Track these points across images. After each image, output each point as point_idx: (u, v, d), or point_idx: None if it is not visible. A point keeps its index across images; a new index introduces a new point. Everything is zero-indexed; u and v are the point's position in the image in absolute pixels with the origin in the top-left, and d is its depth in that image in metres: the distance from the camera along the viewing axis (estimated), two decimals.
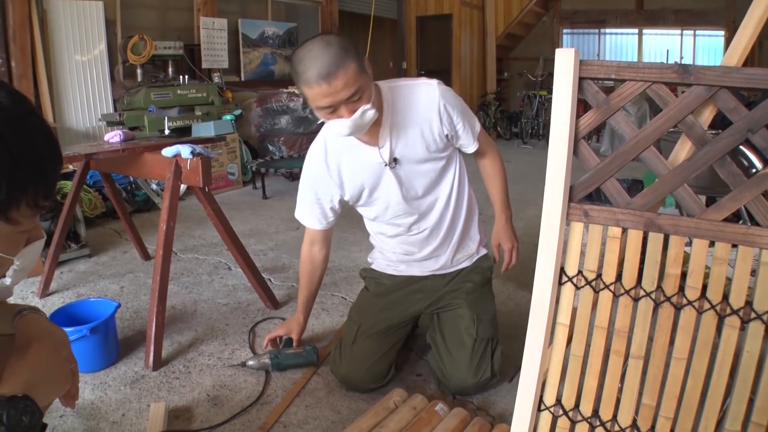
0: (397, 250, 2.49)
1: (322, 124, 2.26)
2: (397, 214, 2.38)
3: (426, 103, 2.20)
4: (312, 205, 2.44)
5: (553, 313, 1.72)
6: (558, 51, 1.56)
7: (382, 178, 2.29)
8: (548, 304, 1.67)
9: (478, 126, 2.37)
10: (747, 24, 1.57)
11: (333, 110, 1.98)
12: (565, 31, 14.59)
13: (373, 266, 2.64)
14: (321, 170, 2.35)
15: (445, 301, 2.48)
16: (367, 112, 2.01)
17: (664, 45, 13.83)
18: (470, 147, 2.35)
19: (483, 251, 2.55)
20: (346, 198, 2.39)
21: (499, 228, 2.57)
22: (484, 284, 2.52)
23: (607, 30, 14.40)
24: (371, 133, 2.19)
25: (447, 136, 2.25)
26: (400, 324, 2.49)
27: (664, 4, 13.60)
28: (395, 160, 2.26)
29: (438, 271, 2.50)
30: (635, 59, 14.07)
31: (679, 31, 13.77)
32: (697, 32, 13.59)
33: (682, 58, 13.61)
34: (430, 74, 12.00)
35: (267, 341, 2.65)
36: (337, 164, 2.31)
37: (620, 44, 14.48)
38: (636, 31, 14.18)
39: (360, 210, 2.47)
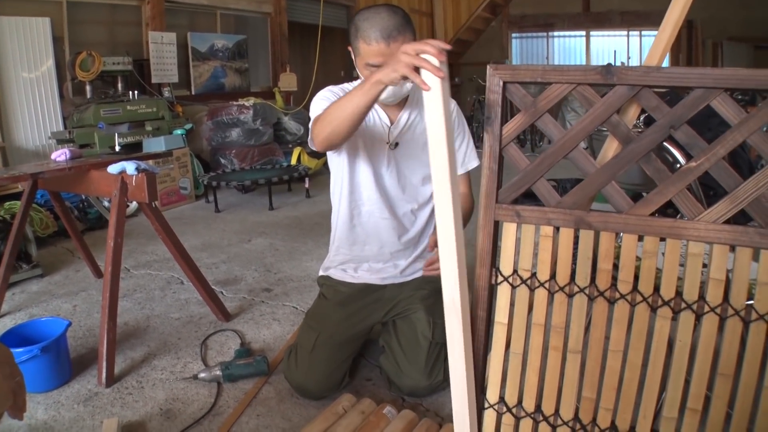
0: (359, 240, 2.54)
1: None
2: (372, 187, 2.44)
3: None
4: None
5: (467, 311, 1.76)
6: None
7: (378, 149, 2.40)
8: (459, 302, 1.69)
9: (473, 162, 2.46)
10: (665, 26, 1.63)
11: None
12: (514, 35, 14.78)
13: (330, 274, 2.65)
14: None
15: (401, 308, 2.51)
16: (406, 82, 2.09)
17: (611, 46, 14.09)
18: None
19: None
20: None
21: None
22: (439, 291, 2.53)
23: (556, 33, 14.62)
24: (393, 108, 2.34)
25: None
26: (359, 334, 2.51)
27: (610, 6, 13.85)
28: (396, 144, 2.38)
29: (396, 279, 2.54)
30: (584, 61, 14.32)
31: (625, 32, 14.04)
32: (643, 32, 13.85)
33: (629, 57, 13.87)
34: None
35: None
36: None
37: (568, 47, 14.70)
38: (583, 33, 14.42)
39: (347, 168, 2.45)
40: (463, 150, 2.44)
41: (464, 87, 13.64)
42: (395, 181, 2.44)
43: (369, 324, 2.54)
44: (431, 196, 2.43)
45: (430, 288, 2.50)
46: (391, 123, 2.35)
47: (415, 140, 2.36)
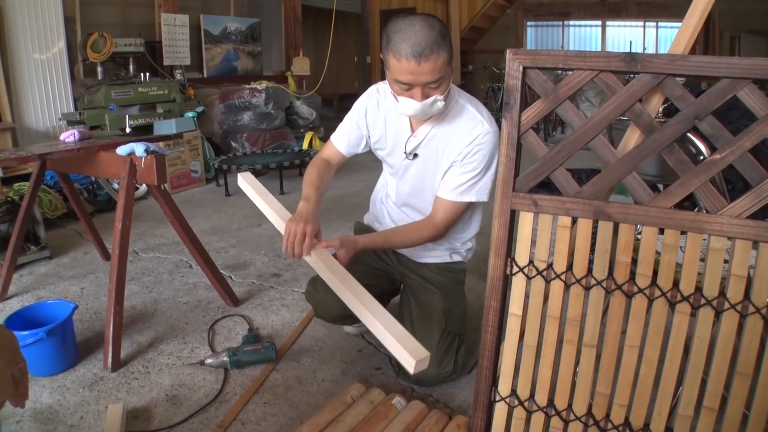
0: (382, 218, 2.60)
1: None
2: (395, 189, 2.49)
3: (468, 132, 2.20)
4: (348, 131, 2.47)
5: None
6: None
7: (398, 157, 2.38)
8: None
9: (461, 197, 2.24)
10: (692, 13, 1.58)
11: (408, 88, 2.01)
12: (529, 23, 14.66)
13: (365, 221, 2.73)
14: (363, 114, 2.41)
15: (418, 280, 2.51)
16: (437, 102, 2.05)
17: (627, 36, 13.96)
18: (441, 191, 2.27)
19: (458, 258, 2.55)
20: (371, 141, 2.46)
21: (351, 243, 2.20)
22: (458, 284, 2.55)
23: (571, 22, 14.49)
24: (419, 120, 2.26)
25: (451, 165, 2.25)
26: (380, 271, 2.55)
27: None
28: (415, 155, 2.32)
29: (409, 255, 2.56)
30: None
31: (641, 23, 13.89)
32: (660, 24, 13.71)
33: (645, 49, 13.73)
34: None
35: (299, 246, 2.12)
36: (376, 118, 2.38)
37: (584, 36, 14.58)
38: (599, 23, 14.28)
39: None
40: (463, 180, 2.22)
41: (478, 74, 13.58)
42: (412, 190, 2.42)
43: (388, 269, 2.58)
44: None
45: (450, 278, 2.50)
46: (412, 132, 2.29)
47: (434, 153, 2.28)
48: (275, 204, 2.35)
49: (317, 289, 2.47)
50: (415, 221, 2.37)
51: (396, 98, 2.10)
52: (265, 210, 2.36)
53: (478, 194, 2.24)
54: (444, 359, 2.32)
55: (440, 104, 2.06)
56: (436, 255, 2.52)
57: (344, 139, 2.46)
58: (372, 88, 2.41)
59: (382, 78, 2.28)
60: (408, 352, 1.71)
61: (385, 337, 1.81)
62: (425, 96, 2.01)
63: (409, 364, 1.71)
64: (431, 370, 2.30)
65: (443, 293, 2.44)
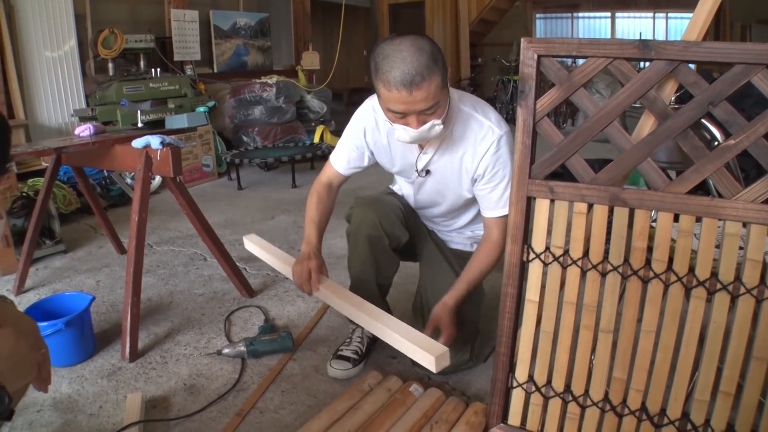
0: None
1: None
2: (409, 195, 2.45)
3: (480, 141, 2.12)
4: (347, 152, 2.39)
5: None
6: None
7: (410, 175, 2.33)
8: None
9: (503, 210, 2.16)
10: (704, 1, 1.58)
11: (402, 116, 1.90)
12: (538, 15, 14.60)
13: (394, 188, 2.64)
14: (361, 135, 2.32)
15: (440, 256, 2.51)
16: (435, 127, 1.92)
17: (636, 28, 13.88)
18: (486, 210, 2.23)
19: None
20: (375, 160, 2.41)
21: (443, 308, 2.20)
22: None
23: (580, 14, 14.42)
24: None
25: (473, 179, 2.19)
26: (410, 221, 2.48)
27: None
28: (428, 171, 2.25)
29: (438, 233, 2.58)
30: None
31: (651, 14, 13.82)
32: (669, 14, 13.64)
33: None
34: None
35: (307, 284, 2.21)
36: (377, 140, 2.30)
37: (593, 28, 14.51)
38: (609, 14, 14.21)
39: None
40: (499, 193, 2.16)
41: (488, 67, 13.54)
42: (430, 201, 2.39)
43: (418, 223, 2.55)
44: (466, 204, 2.36)
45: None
46: (421, 149, 2.21)
47: (449, 166, 2.21)
48: (283, 255, 2.47)
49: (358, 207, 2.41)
50: (478, 251, 2.27)
51: (391, 124, 2.00)
52: (276, 264, 2.47)
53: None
54: (460, 347, 2.33)
55: (438, 128, 1.93)
56: (458, 242, 2.53)
57: (344, 160, 2.40)
58: (367, 107, 2.30)
59: None
60: (427, 352, 1.78)
61: (403, 344, 1.89)
62: (421, 123, 1.89)
63: (431, 363, 1.77)
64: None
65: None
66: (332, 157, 2.43)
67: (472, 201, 2.29)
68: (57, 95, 6.08)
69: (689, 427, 1.63)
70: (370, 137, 2.30)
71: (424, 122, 1.90)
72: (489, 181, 2.14)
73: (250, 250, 2.67)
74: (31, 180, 4.62)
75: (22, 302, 3.19)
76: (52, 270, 3.74)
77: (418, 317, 2.48)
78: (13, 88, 5.61)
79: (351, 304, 2.11)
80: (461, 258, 2.48)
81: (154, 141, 2.74)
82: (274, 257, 2.49)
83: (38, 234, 3.50)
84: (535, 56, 1.59)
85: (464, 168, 2.17)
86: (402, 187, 2.51)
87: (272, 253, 2.52)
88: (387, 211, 2.33)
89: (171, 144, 2.75)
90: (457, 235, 2.52)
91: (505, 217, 2.09)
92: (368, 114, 2.28)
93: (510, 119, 11.13)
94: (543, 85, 1.64)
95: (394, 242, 2.34)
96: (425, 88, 1.80)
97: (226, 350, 2.54)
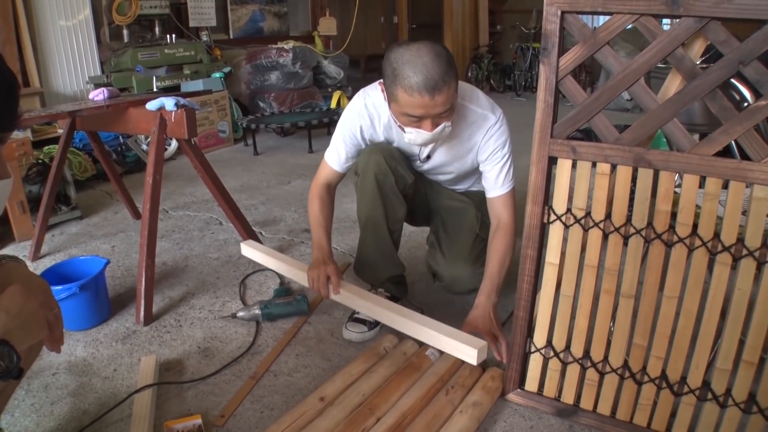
0: None
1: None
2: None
3: (477, 130, 2.22)
4: (344, 150, 2.42)
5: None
6: None
7: (412, 159, 2.42)
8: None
9: (508, 185, 2.27)
10: None
11: (418, 120, 1.98)
12: None
13: None
14: (357, 134, 2.36)
15: (450, 197, 2.55)
16: (446, 129, 2.02)
17: None
18: (489, 191, 2.29)
19: None
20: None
21: (477, 316, 2.18)
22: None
23: None
24: None
25: (479, 163, 2.30)
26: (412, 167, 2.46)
27: None
28: (428, 156, 2.35)
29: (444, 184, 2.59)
30: None
31: None
32: None
33: None
34: (421, 27, 11.88)
35: (324, 288, 2.31)
36: (374, 138, 2.37)
37: None
38: None
39: None
40: (503, 171, 2.24)
41: (507, 34, 13.37)
42: (436, 171, 2.47)
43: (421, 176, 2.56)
44: (471, 173, 2.45)
45: (479, 195, 2.47)
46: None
47: (451, 149, 2.29)
48: (289, 260, 2.55)
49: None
50: (492, 244, 2.26)
51: (402, 129, 2.07)
52: (283, 269, 2.55)
53: (513, 178, 2.29)
54: (478, 261, 2.37)
55: (448, 129, 2.04)
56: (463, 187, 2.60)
57: (341, 158, 2.42)
58: (359, 104, 2.31)
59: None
60: (467, 345, 1.88)
61: (440, 340, 1.97)
62: (435, 125, 1.98)
63: (471, 356, 1.88)
64: (466, 271, 2.38)
65: (474, 203, 2.48)
66: (327, 156, 2.47)
67: (476, 171, 2.37)
68: (72, 63, 6.07)
69: (710, 396, 1.60)
70: (368, 134, 2.36)
71: (437, 125, 1.99)
72: (492, 163, 2.24)
73: (249, 256, 2.77)
74: (46, 147, 4.60)
75: (38, 268, 3.18)
76: (67, 236, 3.74)
77: (434, 250, 2.53)
78: (28, 56, 5.60)
79: (377, 304, 2.22)
80: (476, 192, 2.55)
81: (169, 103, 2.71)
82: (279, 262, 2.62)
83: (54, 200, 3.49)
84: (559, 12, 1.54)
85: (465, 146, 2.27)
86: None
87: (276, 258, 2.65)
88: (392, 151, 2.33)
89: (186, 105, 2.72)
90: (463, 184, 2.58)
91: (512, 191, 2.25)
92: (362, 113, 2.32)
93: (529, 87, 11.04)
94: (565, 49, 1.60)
95: (400, 182, 2.34)
96: (446, 93, 1.90)
97: (240, 313, 2.53)
